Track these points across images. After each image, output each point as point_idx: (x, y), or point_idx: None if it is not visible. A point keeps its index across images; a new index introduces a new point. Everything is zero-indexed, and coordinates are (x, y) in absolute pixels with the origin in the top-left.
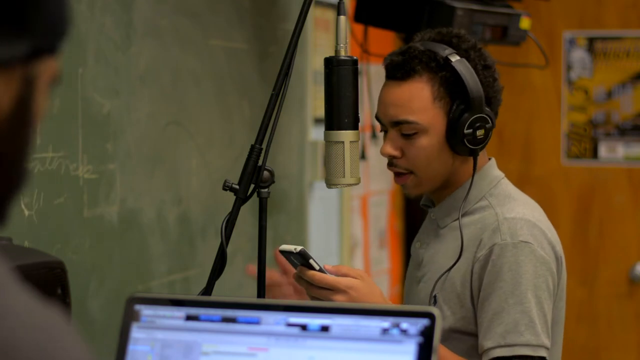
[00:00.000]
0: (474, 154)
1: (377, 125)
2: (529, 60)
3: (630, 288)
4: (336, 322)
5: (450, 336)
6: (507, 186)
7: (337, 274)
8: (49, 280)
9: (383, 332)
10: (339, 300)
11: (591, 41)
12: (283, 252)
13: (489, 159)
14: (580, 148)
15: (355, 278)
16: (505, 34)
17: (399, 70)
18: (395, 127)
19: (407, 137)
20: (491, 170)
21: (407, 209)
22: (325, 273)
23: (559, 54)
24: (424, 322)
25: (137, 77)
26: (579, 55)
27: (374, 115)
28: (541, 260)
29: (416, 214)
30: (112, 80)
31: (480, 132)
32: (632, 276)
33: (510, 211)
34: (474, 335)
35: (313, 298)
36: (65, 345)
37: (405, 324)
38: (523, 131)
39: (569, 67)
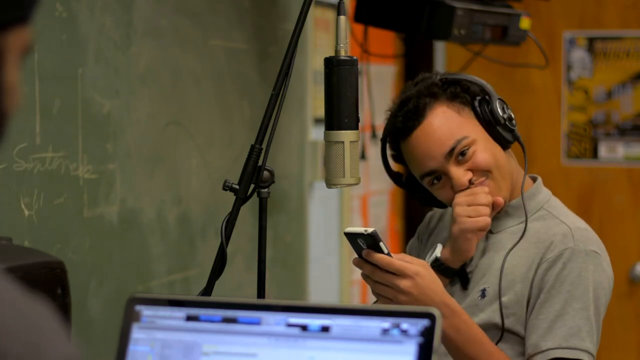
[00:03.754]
0: (517, 136)
1: (377, 125)
2: (529, 60)
3: (630, 288)
4: (336, 323)
5: (491, 332)
6: (559, 202)
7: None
8: (49, 280)
9: (383, 333)
10: (404, 286)
11: (591, 41)
12: (349, 235)
13: (536, 177)
14: (580, 148)
15: (415, 265)
16: (505, 34)
17: (414, 115)
18: (450, 158)
19: (464, 156)
20: (543, 187)
21: (407, 209)
22: (392, 258)
23: (559, 54)
24: (424, 322)
25: (137, 77)
26: (579, 55)
27: (417, 175)
28: (605, 275)
29: (416, 214)
30: (112, 80)
31: (509, 112)
32: (632, 276)
33: (578, 222)
34: (516, 335)
35: (375, 282)
36: (51, 338)
37: (405, 324)
38: (523, 131)
39: (569, 67)
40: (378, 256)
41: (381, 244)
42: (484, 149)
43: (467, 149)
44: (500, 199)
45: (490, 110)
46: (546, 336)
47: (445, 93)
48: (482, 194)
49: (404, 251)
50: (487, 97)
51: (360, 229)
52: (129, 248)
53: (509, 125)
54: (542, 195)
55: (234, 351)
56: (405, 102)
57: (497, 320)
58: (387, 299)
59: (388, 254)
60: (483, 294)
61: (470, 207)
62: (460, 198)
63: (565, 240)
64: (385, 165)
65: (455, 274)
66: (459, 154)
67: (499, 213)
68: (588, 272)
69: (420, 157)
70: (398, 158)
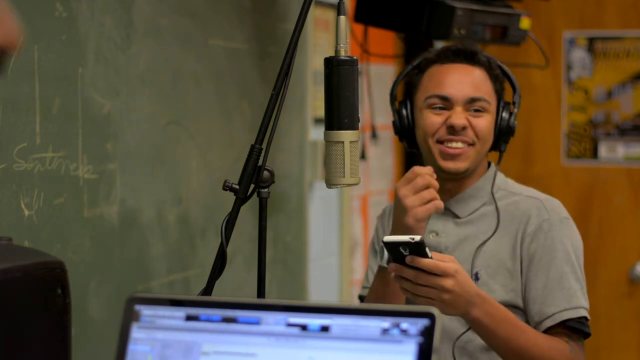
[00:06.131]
0: (502, 150)
1: (378, 125)
2: (529, 60)
3: (630, 288)
4: (336, 322)
5: None
6: (512, 181)
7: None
8: (49, 280)
9: (383, 332)
10: (449, 285)
11: (591, 41)
12: (389, 243)
13: (489, 162)
14: (580, 148)
15: (452, 262)
16: (505, 34)
17: (470, 55)
18: (469, 103)
19: (476, 113)
20: (497, 170)
21: None
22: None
23: (559, 54)
24: (424, 322)
25: (137, 77)
26: (579, 55)
27: (427, 94)
28: (577, 235)
29: None
30: (112, 80)
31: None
32: (632, 276)
33: (541, 194)
34: (518, 308)
35: (416, 285)
36: None
37: (405, 324)
38: (523, 131)
39: (569, 67)
40: (425, 261)
41: (427, 249)
42: (489, 122)
43: (482, 112)
44: (440, 203)
45: (509, 118)
46: (548, 302)
47: (493, 71)
48: (419, 178)
49: None
50: (514, 107)
51: (404, 238)
52: (129, 248)
53: (511, 134)
54: (497, 177)
55: (233, 351)
56: (466, 44)
57: (499, 299)
58: (430, 299)
59: (431, 257)
60: (476, 277)
61: (416, 196)
62: (402, 191)
63: (540, 212)
64: (397, 80)
65: None
66: (474, 108)
67: (461, 196)
68: (567, 237)
69: (446, 81)
70: (414, 81)
